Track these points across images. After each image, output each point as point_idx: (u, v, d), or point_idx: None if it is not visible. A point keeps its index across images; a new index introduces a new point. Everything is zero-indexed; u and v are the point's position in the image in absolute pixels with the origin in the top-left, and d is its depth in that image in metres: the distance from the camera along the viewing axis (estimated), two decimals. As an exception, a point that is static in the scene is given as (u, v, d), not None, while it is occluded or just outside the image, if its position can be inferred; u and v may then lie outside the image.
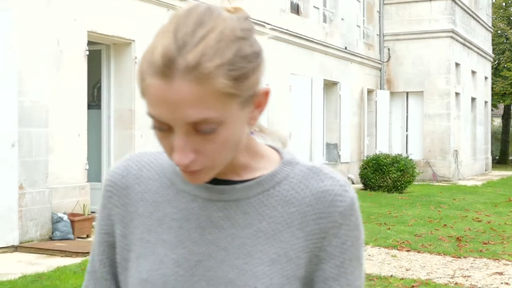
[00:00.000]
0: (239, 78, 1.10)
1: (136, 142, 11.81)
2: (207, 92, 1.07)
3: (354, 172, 21.05)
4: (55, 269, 7.79)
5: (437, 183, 22.58)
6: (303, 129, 18.13)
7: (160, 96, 1.08)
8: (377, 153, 19.63)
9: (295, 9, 18.48)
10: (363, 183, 19.04)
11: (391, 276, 8.17)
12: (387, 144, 23.58)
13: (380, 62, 23.83)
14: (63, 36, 10.20)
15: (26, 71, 9.18)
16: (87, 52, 10.80)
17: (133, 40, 11.73)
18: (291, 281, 1.21)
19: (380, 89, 23.74)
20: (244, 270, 1.21)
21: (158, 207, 1.29)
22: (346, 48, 20.97)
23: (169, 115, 1.09)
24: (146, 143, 11.87)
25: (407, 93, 24.11)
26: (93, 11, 10.81)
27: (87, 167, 10.85)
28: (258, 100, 1.18)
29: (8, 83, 8.84)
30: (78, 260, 8.35)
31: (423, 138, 23.86)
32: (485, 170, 29.86)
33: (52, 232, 9.59)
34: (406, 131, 24.42)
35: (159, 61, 1.06)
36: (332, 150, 20.39)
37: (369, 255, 9.49)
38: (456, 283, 7.88)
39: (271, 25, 16.20)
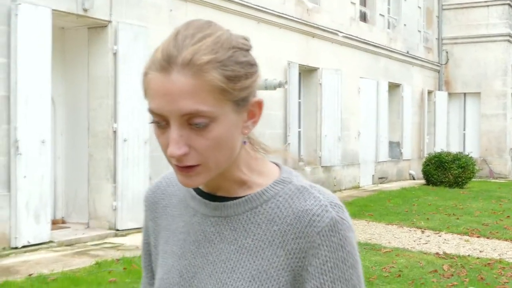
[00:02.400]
0: (232, 78, 1.18)
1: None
2: (201, 85, 1.15)
3: (415, 169, 22.47)
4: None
5: (493, 180, 23.76)
6: (369, 128, 19.59)
7: (159, 88, 1.16)
8: (439, 151, 20.96)
9: (363, 17, 19.96)
10: (425, 179, 20.42)
11: (468, 255, 9.61)
12: (445, 142, 24.87)
13: (439, 64, 25.13)
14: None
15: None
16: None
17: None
18: None
19: (439, 90, 25.05)
20: (226, 285, 1.25)
21: (174, 221, 1.39)
22: (408, 52, 22.37)
23: (167, 106, 1.16)
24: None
25: (465, 94, 25.36)
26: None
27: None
28: (252, 110, 1.25)
29: (141, 90, 10.55)
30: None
31: (480, 137, 25.08)
32: (539, 168, 30.83)
33: (173, 216, 11.31)
34: (464, 130, 25.66)
35: (159, 57, 1.17)
36: (394, 148, 21.79)
37: (445, 240, 10.96)
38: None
39: (343, 32, 17.76)
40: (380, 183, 20.18)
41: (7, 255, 8.41)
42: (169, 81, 1.15)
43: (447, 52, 25.30)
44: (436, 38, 25.16)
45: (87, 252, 8.84)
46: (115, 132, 10.18)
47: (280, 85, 12.15)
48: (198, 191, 1.35)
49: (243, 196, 1.29)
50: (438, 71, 25.18)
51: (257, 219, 1.27)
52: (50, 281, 7.04)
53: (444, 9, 25.32)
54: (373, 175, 19.96)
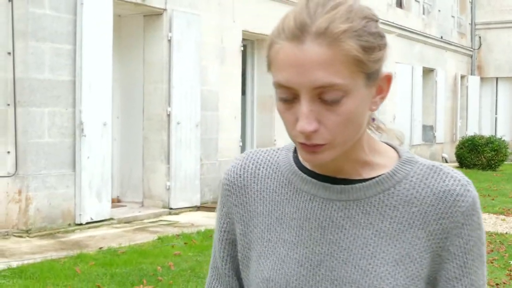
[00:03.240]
0: (366, 49, 1.13)
1: (276, 124, 13.93)
2: (337, 56, 1.09)
3: (448, 152, 22.79)
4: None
5: (525, 164, 24.02)
6: (404, 112, 19.94)
7: (290, 59, 1.10)
8: (472, 135, 21.27)
9: (399, 3, 20.25)
10: (459, 162, 20.77)
11: (506, 233, 10.02)
12: (477, 126, 25.12)
13: (472, 49, 25.33)
14: (225, 35, 12.35)
15: (204, 65, 11.39)
16: (242, 48, 12.95)
17: (274, 37, 13.80)
18: (415, 281, 1.21)
19: (471, 75, 25.27)
20: (368, 271, 1.20)
21: (277, 206, 1.29)
22: (441, 37, 22.62)
23: (298, 78, 1.10)
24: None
25: (497, 78, 25.56)
26: (246, 14, 12.95)
27: (240, 144, 13.06)
28: (380, 85, 1.20)
29: (194, 75, 11.06)
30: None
31: (511, 121, 25.29)
32: None
33: (221, 196, 11.83)
34: (495, 114, 25.87)
35: (291, 25, 1.11)
36: (428, 132, 22.11)
37: (483, 219, 11.36)
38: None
39: (381, 19, 18.02)
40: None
41: (73, 230, 8.98)
42: (302, 50, 1.10)
43: (480, 37, 25.48)
44: (469, 24, 25.34)
45: (146, 229, 9.39)
46: (169, 115, 10.69)
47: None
48: (311, 174, 1.27)
49: (370, 178, 1.24)
50: (471, 56, 25.38)
51: (392, 201, 1.22)
52: (120, 253, 7.59)
53: (477, -5, 25.48)
54: (407, 158, 20.30)
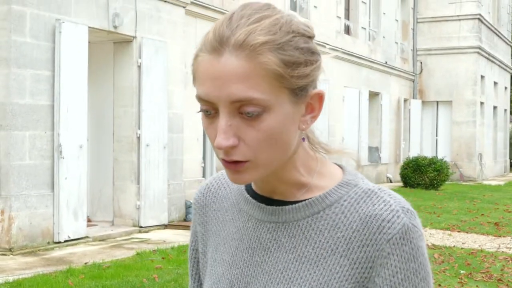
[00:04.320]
0: (289, 64, 1.08)
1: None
2: (255, 69, 1.05)
3: (392, 172, 23.83)
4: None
5: (464, 183, 25.23)
6: (352, 134, 20.85)
7: (208, 71, 1.07)
8: (415, 156, 22.34)
9: (347, 30, 21.24)
10: (403, 182, 21.77)
11: (454, 246, 10.85)
12: (419, 147, 26.30)
13: (414, 74, 26.57)
14: (188, 60, 12.96)
15: (171, 89, 11.96)
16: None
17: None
18: None
19: (413, 98, 26.48)
20: None
21: (225, 226, 1.29)
22: (386, 62, 23.72)
23: (215, 92, 1.06)
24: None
25: (437, 102, 26.83)
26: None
27: (202, 164, 13.64)
28: (311, 103, 1.14)
29: (162, 99, 11.62)
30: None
31: (451, 143, 26.55)
32: (504, 172, 32.56)
33: (186, 215, 12.37)
34: (436, 136, 27.12)
35: (211, 38, 1.08)
36: (373, 153, 23.09)
37: (431, 234, 12.20)
38: (503, 251, 10.54)
39: (330, 45, 18.98)
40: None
41: (52, 248, 9.39)
42: (220, 63, 1.06)
43: (421, 62, 26.75)
44: (411, 49, 26.59)
45: (122, 246, 9.86)
46: (138, 137, 11.21)
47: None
48: (253, 194, 1.25)
49: (303, 200, 1.18)
50: (413, 81, 26.61)
51: (319, 225, 1.17)
52: (105, 267, 8.07)
53: (419, 22, 26.78)
54: (354, 179, 21.19)
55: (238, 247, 1.25)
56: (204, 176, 13.87)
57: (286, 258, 1.18)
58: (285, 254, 1.18)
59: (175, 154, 12.17)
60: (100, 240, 10.20)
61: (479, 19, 26.27)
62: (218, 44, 1.07)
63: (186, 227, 11.71)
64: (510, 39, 33.62)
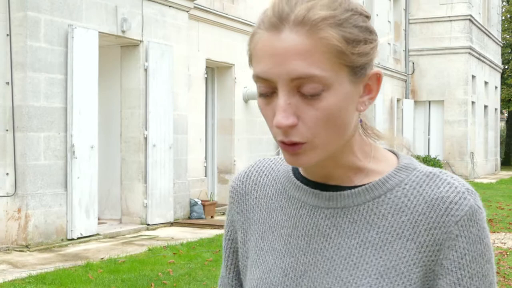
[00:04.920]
0: (350, 41, 1.07)
1: (235, 146, 14.97)
2: (316, 45, 1.04)
3: (386, 171, 24.30)
4: (214, 236, 10.93)
5: (456, 181, 25.70)
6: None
7: (267, 49, 1.06)
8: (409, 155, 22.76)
9: (341, 32, 21.69)
10: (397, 180, 22.22)
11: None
12: (411, 147, 26.70)
13: (406, 74, 27.05)
14: (192, 63, 13.35)
15: (176, 91, 12.35)
16: (206, 75, 13.99)
17: (233, 64, 14.91)
18: None
19: (406, 98, 26.96)
20: (348, 283, 1.14)
21: (272, 214, 1.26)
22: (379, 63, 24.16)
23: (275, 68, 1.05)
24: (242, 146, 15.07)
25: (429, 102, 27.32)
26: (210, 43, 14.00)
27: (205, 164, 14.03)
28: (369, 84, 1.13)
29: (168, 101, 12.01)
30: (221, 231, 11.50)
31: (443, 142, 27.05)
32: (495, 170, 33.11)
33: (190, 213, 12.76)
34: (428, 135, 27.61)
35: (270, 15, 1.07)
36: (368, 152, 23.55)
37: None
38: (498, 246, 10.98)
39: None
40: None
41: (66, 245, 9.76)
42: (279, 40, 1.05)
43: (413, 63, 27.23)
44: (404, 50, 27.07)
45: (132, 242, 10.25)
46: (145, 138, 11.59)
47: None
48: (304, 180, 1.23)
49: (362, 185, 1.18)
50: (405, 81, 27.09)
51: (381, 210, 1.16)
52: (121, 262, 8.45)
53: (411, 23, 27.26)
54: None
55: (291, 235, 1.21)
56: (206, 175, 14.27)
57: (349, 244, 1.16)
58: (347, 240, 1.16)
59: (180, 154, 12.55)
60: (110, 237, 10.58)
61: (470, 19, 26.78)
62: (277, 21, 1.06)
63: (191, 225, 12.10)
64: (500, 39, 34.19)
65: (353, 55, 1.07)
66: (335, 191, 1.18)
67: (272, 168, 1.31)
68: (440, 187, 1.14)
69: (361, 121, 1.19)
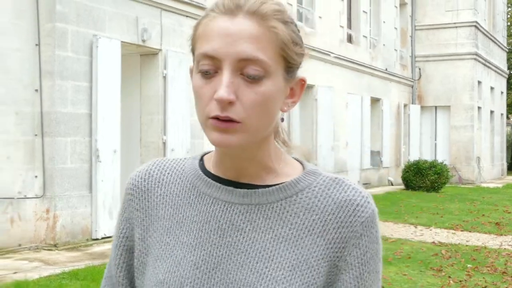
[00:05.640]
0: (292, 39, 1.21)
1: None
2: (265, 33, 1.16)
3: (393, 175, 24.73)
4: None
5: (463, 186, 26.09)
6: (355, 139, 21.75)
7: (220, 29, 1.15)
8: (416, 159, 23.23)
9: (349, 39, 22.16)
10: (405, 184, 22.67)
11: (459, 243, 11.69)
12: (418, 151, 27.20)
13: (412, 80, 27.52)
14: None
15: (191, 98, 12.82)
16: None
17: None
18: None
19: (413, 104, 27.41)
20: (264, 274, 1.20)
21: (179, 210, 1.30)
22: (386, 69, 24.66)
23: (225, 47, 1.14)
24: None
25: (436, 107, 27.76)
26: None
27: (220, 168, 14.53)
28: (294, 88, 1.24)
29: (185, 107, 12.51)
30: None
31: (450, 147, 27.47)
32: (501, 175, 33.53)
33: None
34: (435, 140, 28.05)
35: (228, 2, 1.17)
36: (375, 157, 23.99)
37: (436, 233, 13.05)
38: (505, 248, 11.39)
39: (334, 53, 19.90)
40: (365, 189, 22.35)
41: (91, 244, 10.25)
42: (233, 23, 1.15)
43: (419, 69, 27.70)
44: (410, 56, 27.54)
45: (153, 242, 10.71)
46: (164, 143, 12.08)
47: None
48: (215, 178, 1.29)
49: (274, 185, 1.25)
50: (412, 86, 27.54)
51: (293, 208, 1.24)
52: (146, 260, 8.92)
53: (417, 30, 27.74)
54: (358, 181, 22.07)
55: (201, 229, 1.25)
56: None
57: (263, 238, 1.22)
58: (262, 235, 1.23)
59: (197, 158, 13.01)
60: (132, 238, 11.04)
61: (475, 26, 27.22)
62: (234, 7, 1.16)
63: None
64: (505, 45, 34.65)
65: (292, 52, 1.20)
66: (249, 189, 1.25)
67: (174, 167, 1.35)
68: (346, 191, 1.25)
69: (282, 120, 1.30)
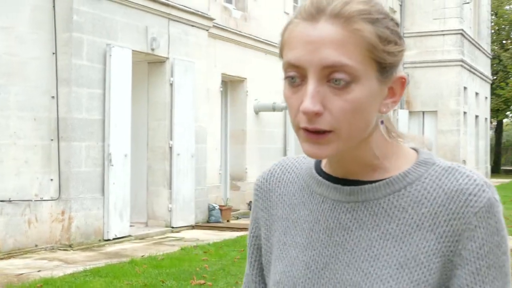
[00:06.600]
0: (382, 38, 1.12)
1: (247, 154, 15.97)
2: (349, 36, 1.09)
3: (382, 179, 25.36)
4: (236, 237, 11.89)
5: (449, 189, 26.79)
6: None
7: (303, 35, 1.11)
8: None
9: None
10: (394, 187, 23.27)
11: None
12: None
13: (401, 86, 28.13)
14: (209, 77, 14.36)
15: (197, 104, 13.35)
16: (221, 89, 15.01)
17: (246, 78, 15.92)
18: (420, 286, 1.15)
19: (401, 109, 28.05)
20: (369, 273, 1.17)
21: (294, 210, 1.30)
22: (376, 75, 25.28)
23: (308, 55, 1.09)
24: (253, 155, 16.07)
25: (423, 112, 28.44)
26: (225, 58, 15.03)
27: (220, 172, 15.02)
28: (393, 87, 1.17)
29: (190, 114, 13.01)
30: (242, 233, 12.49)
31: (437, 151, 28.11)
32: (486, 177, 34.19)
33: (209, 217, 13.75)
34: (422, 144, 28.68)
35: (309, 7, 1.12)
36: (365, 160, 24.59)
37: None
38: None
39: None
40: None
41: (103, 245, 10.72)
42: (315, 29, 1.10)
43: (408, 75, 28.30)
44: (398, 62, 28.14)
45: (163, 243, 11.21)
46: (171, 148, 12.57)
47: (287, 107, 14.82)
48: (326, 176, 1.27)
49: (383, 179, 1.20)
50: (400, 92, 28.13)
51: (401, 203, 1.18)
52: (160, 259, 9.41)
53: (406, 37, 28.35)
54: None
55: (313, 229, 1.25)
56: (221, 182, 15.26)
57: (370, 236, 1.19)
58: (368, 232, 1.19)
59: (200, 163, 13.54)
60: (140, 239, 11.53)
61: (461, 34, 27.92)
62: (315, 11, 1.11)
63: (211, 228, 13.10)
64: (489, 52, 35.46)
65: (383, 52, 1.12)
66: (356, 186, 1.22)
67: (295, 166, 1.34)
68: (459, 179, 1.16)
69: (382, 122, 1.22)
